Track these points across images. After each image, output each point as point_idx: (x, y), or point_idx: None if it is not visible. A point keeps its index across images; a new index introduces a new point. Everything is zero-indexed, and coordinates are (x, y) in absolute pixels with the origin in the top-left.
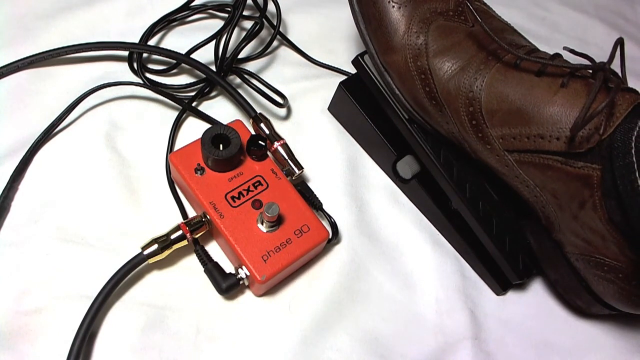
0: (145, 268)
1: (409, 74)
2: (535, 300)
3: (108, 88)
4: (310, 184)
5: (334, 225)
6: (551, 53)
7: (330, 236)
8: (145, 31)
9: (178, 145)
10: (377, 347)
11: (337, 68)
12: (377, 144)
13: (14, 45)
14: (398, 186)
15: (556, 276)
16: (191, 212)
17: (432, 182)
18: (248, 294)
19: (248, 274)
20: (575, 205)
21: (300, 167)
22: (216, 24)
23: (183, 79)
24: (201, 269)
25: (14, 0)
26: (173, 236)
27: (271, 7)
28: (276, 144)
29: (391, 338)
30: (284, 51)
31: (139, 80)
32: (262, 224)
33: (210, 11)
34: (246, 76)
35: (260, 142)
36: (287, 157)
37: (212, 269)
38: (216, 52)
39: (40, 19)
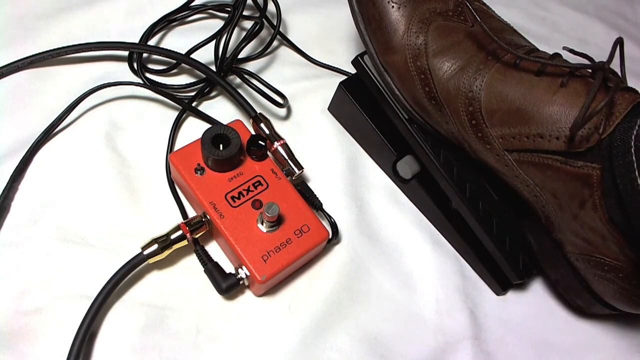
0: (145, 268)
1: (408, 74)
2: (535, 300)
3: (108, 88)
4: (310, 184)
5: (334, 225)
6: (551, 53)
7: (330, 236)
8: (145, 31)
9: (178, 145)
10: (377, 347)
11: (337, 68)
12: (377, 144)
13: (14, 45)
14: (398, 186)
15: (556, 276)
16: (191, 212)
17: (432, 182)
18: (248, 294)
19: (248, 274)
20: (575, 205)
21: (300, 167)
22: (216, 24)
23: (183, 79)
24: (201, 269)
25: (14, 0)
26: (173, 236)
27: (271, 7)
28: (276, 144)
29: (391, 338)
30: (284, 51)
31: (139, 80)
32: (262, 224)
33: (210, 11)
34: (246, 76)
35: (260, 142)
36: (287, 157)
37: (212, 269)
38: (216, 52)
39: (40, 19)
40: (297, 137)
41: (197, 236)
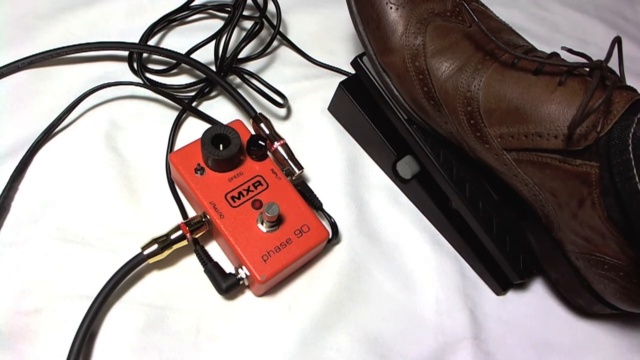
0: (145, 268)
1: (407, 75)
2: (535, 300)
3: (108, 88)
4: (310, 184)
5: (334, 225)
6: (550, 53)
7: (330, 236)
8: (145, 31)
9: (178, 145)
10: (377, 347)
11: (337, 68)
12: (377, 144)
13: (14, 45)
14: (398, 186)
15: (557, 275)
16: (191, 212)
17: (432, 182)
18: (248, 294)
19: (248, 274)
20: (574, 203)
21: (300, 167)
22: (216, 24)
23: (183, 79)
24: (201, 269)
25: (14, 0)
26: (173, 236)
27: (271, 7)
28: (276, 144)
29: (391, 338)
30: (284, 51)
31: (139, 80)
32: (262, 224)
33: (210, 11)
34: (246, 76)
35: (260, 142)
36: (287, 157)
37: (212, 269)
38: (216, 52)
39: (40, 19)
40: (297, 137)
41: (197, 236)
